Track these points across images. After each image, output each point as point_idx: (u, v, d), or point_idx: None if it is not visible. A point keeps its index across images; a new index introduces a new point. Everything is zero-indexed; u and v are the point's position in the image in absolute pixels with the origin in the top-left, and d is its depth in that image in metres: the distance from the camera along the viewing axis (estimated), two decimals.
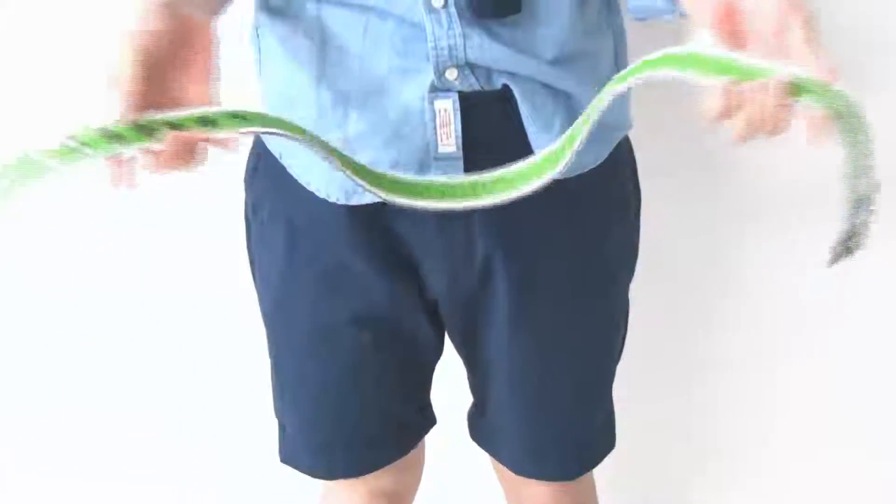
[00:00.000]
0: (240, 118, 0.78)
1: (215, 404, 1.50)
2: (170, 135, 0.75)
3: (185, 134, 0.75)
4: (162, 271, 1.42)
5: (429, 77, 0.92)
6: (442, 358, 1.12)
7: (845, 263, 0.77)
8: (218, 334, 1.45)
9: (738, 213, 1.38)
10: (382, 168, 0.95)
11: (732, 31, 0.75)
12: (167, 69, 0.78)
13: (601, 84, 0.99)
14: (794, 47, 0.72)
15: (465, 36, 0.91)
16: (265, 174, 1.03)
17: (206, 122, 0.77)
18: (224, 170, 0.91)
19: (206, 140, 0.76)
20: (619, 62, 1.03)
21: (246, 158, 1.06)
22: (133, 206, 1.25)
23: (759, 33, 0.74)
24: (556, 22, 0.94)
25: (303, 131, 0.84)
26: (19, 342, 1.47)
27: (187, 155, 0.76)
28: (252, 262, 1.09)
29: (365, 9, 0.92)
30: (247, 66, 1.03)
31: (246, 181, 1.06)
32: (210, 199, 1.30)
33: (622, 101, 1.04)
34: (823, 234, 0.78)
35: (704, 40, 0.76)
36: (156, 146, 0.75)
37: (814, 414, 1.49)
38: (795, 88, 0.72)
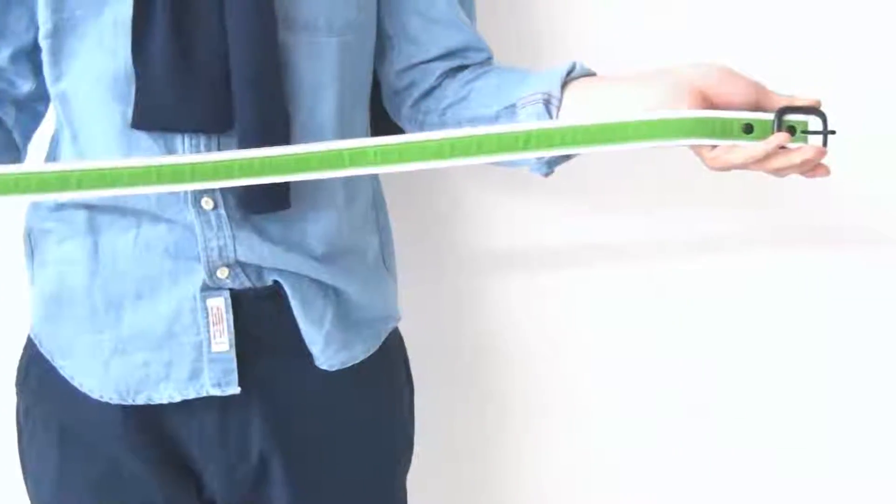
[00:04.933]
0: None
1: None
2: None
3: None
4: None
5: (200, 277, 0.95)
6: None
7: None
8: None
9: None
10: (156, 370, 0.96)
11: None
12: None
13: (368, 280, 1.04)
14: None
15: (234, 237, 0.95)
16: (37, 377, 1.02)
17: None
18: None
19: None
20: (385, 259, 1.08)
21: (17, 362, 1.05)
22: None
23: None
24: (325, 219, 0.99)
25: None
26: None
27: None
28: (24, 469, 1.05)
29: (137, 213, 0.95)
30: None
31: (17, 385, 1.04)
32: None
33: (390, 293, 1.09)
34: None
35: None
36: None
37: None
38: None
